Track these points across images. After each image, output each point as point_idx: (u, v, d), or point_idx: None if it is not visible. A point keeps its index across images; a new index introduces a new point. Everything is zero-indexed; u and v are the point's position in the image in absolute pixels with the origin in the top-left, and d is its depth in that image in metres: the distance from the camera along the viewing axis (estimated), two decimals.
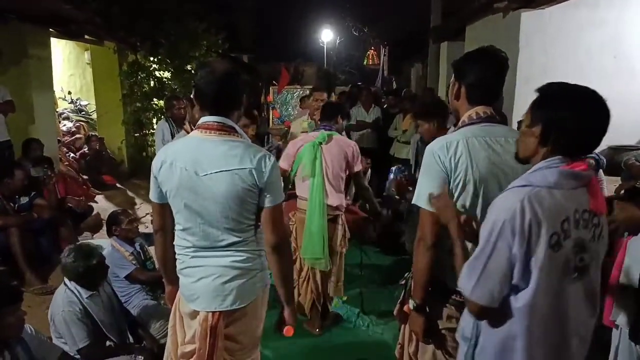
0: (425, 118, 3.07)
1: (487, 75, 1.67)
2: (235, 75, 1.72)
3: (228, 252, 1.78)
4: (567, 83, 1.36)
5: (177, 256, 1.88)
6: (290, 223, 3.49)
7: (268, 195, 1.73)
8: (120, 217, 3.33)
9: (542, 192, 1.29)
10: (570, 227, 1.29)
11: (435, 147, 1.67)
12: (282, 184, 1.82)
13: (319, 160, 3.20)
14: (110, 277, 2.95)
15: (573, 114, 1.29)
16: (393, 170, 5.77)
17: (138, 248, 3.38)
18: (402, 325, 2.19)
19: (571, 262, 1.31)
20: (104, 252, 2.76)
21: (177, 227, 1.84)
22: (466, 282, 1.37)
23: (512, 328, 1.34)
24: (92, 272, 2.62)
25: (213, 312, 1.79)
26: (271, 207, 1.75)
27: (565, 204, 1.29)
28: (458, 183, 1.64)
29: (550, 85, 1.39)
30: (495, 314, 1.37)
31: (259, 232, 1.85)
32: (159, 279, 2.84)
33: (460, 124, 1.73)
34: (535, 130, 1.35)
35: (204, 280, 1.80)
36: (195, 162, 1.71)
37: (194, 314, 1.86)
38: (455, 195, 1.65)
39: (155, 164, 1.80)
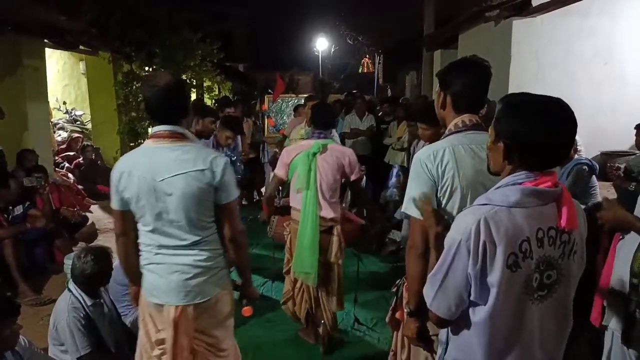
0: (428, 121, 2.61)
1: (471, 84, 1.70)
2: (177, 85, 1.87)
3: (191, 251, 1.91)
4: (529, 94, 1.32)
5: (141, 253, 1.98)
6: (285, 233, 3.42)
7: (222, 193, 1.89)
8: None
9: (501, 213, 1.25)
10: (532, 247, 1.26)
11: (422, 156, 1.70)
12: (236, 182, 1.96)
13: (313, 171, 3.09)
14: (118, 289, 2.96)
15: (534, 129, 1.24)
16: (394, 172, 5.88)
17: None
18: (395, 332, 2.20)
19: (533, 281, 1.28)
20: (114, 264, 2.76)
21: (142, 229, 1.94)
22: (427, 293, 1.40)
23: (472, 339, 1.34)
24: (104, 275, 2.66)
25: (176, 306, 1.91)
26: (226, 204, 1.92)
27: (526, 224, 1.25)
28: (445, 191, 1.67)
29: (511, 98, 1.34)
30: (456, 324, 1.39)
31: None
32: None
33: (447, 132, 1.76)
34: (499, 145, 1.31)
35: (167, 276, 1.91)
36: (151, 169, 1.83)
37: (159, 307, 1.96)
38: (443, 202, 1.68)
39: (114, 175, 1.91)
